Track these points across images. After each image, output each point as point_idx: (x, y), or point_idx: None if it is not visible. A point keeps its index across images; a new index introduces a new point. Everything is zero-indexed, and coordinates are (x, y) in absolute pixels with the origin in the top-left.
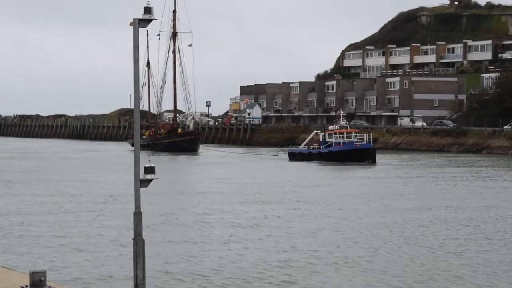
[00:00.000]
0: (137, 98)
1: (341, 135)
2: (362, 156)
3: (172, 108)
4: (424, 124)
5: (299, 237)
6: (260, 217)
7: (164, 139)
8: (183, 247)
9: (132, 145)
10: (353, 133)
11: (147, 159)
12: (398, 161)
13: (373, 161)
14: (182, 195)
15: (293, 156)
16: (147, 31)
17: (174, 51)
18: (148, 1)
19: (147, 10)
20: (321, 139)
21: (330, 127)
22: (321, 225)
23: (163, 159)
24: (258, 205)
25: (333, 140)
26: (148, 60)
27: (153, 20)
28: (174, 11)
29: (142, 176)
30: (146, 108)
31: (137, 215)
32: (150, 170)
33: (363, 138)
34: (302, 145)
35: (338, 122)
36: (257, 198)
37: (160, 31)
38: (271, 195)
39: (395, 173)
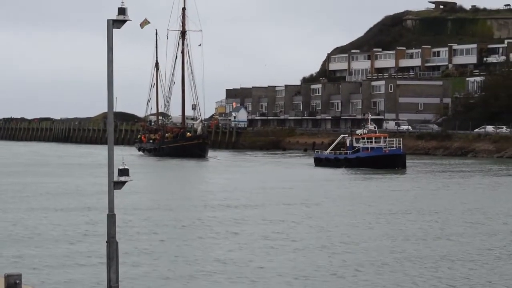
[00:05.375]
0: (111, 100)
1: (369, 140)
2: (391, 162)
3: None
4: (410, 127)
5: None
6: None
7: (171, 144)
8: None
9: (139, 150)
10: (382, 138)
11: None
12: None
13: (403, 167)
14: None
15: (319, 162)
16: (156, 30)
17: (183, 51)
18: (122, 2)
19: (121, 11)
20: (348, 144)
21: (358, 131)
22: None
23: (166, 166)
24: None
25: (360, 145)
26: (156, 61)
27: (128, 21)
28: (184, 9)
29: (116, 178)
30: (154, 111)
31: (111, 217)
32: (124, 172)
33: (393, 143)
34: (328, 150)
35: (366, 126)
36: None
37: (168, 30)
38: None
39: (433, 180)
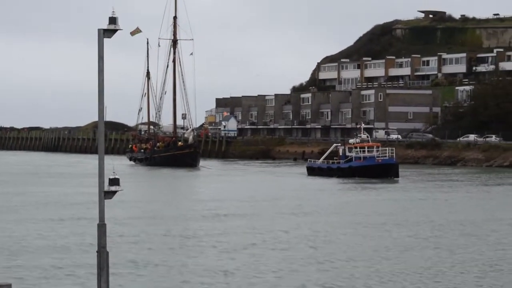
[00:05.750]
0: (101, 109)
1: (362, 149)
2: (384, 171)
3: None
4: (399, 136)
5: None
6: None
7: (162, 153)
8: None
9: (130, 159)
10: (374, 147)
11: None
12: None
13: (395, 177)
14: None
15: (312, 171)
16: (147, 39)
17: (174, 60)
18: (113, 12)
19: (112, 20)
20: (341, 153)
21: (351, 141)
22: None
23: (157, 176)
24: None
25: (353, 154)
26: (148, 70)
27: (119, 30)
28: (175, 18)
29: (106, 188)
30: (145, 120)
31: (101, 227)
32: (114, 181)
33: (386, 153)
34: (321, 159)
35: (359, 135)
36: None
37: (159, 39)
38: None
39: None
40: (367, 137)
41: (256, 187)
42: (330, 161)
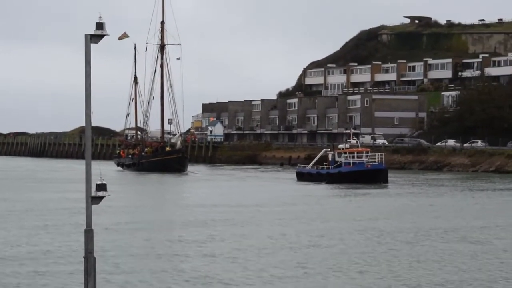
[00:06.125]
0: (88, 114)
1: (351, 155)
2: (373, 177)
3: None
4: (385, 141)
5: None
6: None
7: (150, 158)
8: None
9: (118, 165)
10: (364, 152)
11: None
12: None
13: (385, 182)
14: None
15: (301, 176)
16: (134, 44)
17: (162, 65)
18: (100, 17)
19: (99, 25)
20: (330, 159)
21: (340, 146)
22: None
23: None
24: None
25: (342, 159)
26: (135, 75)
27: (106, 35)
28: (162, 22)
29: (93, 193)
30: (133, 125)
31: (88, 233)
32: (101, 187)
33: (375, 158)
34: (310, 165)
35: (348, 140)
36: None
37: (147, 43)
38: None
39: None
40: (357, 142)
41: (247, 193)
42: (320, 166)
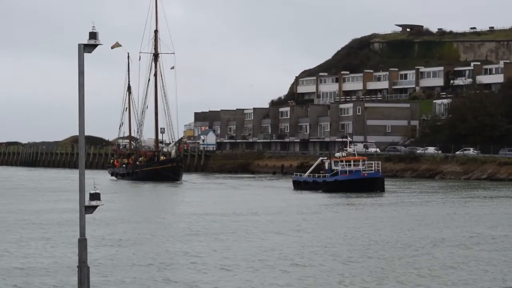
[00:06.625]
0: (82, 124)
1: (348, 163)
2: (370, 185)
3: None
4: (378, 149)
5: None
6: None
7: (145, 167)
8: None
9: (112, 174)
10: (360, 161)
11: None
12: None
13: (381, 191)
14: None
15: (298, 185)
16: (128, 53)
17: (155, 74)
18: (93, 27)
19: (92, 35)
20: (326, 167)
21: (337, 154)
22: None
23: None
24: None
25: (339, 168)
26: (129, 84)
27: (99, 45)
28: (156, 31)
29: (87, 202)
30: (127, 134)
31: (82, 242)
32: (95, 196)
33: (372, 167)
34: (307, 173)
35: (345, 148)
36: None
37: (140, 53)
38: None
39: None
40: (353, 150)
41: (246, 202)
42: (316, 175)
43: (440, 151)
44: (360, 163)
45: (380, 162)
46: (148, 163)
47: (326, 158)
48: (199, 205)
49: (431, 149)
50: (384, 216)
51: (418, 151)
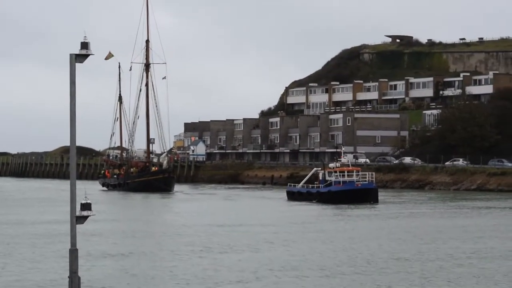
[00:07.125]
0: (73, 134)
1: (341, 174)
2: (363, 196)
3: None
4: (367, 160)
5: None
6: None
7: (136, 178)
8: None
9: (103, 185)
10: (354, 171)
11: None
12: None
13: (375, 202)
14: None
15: (292, 195)
16: (119, 63)
17: (147, 84)
18: (85, 37)
19: (84, 45)
20: (320, 177)
21: (331, 165)
22: None
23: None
24: None
25: (333, 179)
26: (120, 95)
27: (90, 54)
28: (147, 41)
29: (78, 212)
30: (118, 145)
31: (73, 252)
32: (86, 206)
33: (366, 177)
34: (301, 184)
35: (339, 159)
36: None
37: (132, 62)
38: None
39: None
40: (347, 161)
41: (243, 213)
42: (310, 185)
43: (416, 161)
44: (354, 173)
45: (374, 173)
46: (140, 173)
47: (320, 168)
48: (202, 216)
49: (407, 159)
50: (384, 227)
51: (406, 161)
